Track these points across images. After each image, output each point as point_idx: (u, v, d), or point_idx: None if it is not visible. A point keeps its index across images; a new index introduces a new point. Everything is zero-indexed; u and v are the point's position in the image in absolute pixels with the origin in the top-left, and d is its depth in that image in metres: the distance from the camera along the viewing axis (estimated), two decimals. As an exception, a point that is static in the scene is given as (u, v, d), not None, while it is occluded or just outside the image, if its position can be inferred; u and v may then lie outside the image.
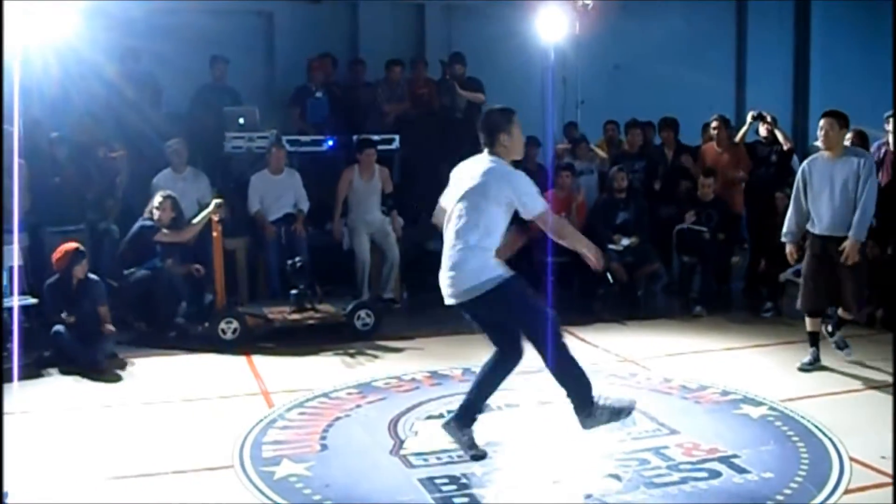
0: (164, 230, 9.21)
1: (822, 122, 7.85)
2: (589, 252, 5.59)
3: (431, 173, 11.97)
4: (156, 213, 9.21)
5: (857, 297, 7.82)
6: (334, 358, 8.40)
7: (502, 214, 5.59)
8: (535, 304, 5.67)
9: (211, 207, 9.04)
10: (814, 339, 8.01)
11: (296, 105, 11.53)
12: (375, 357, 8.42)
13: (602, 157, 12.08)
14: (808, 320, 8.02)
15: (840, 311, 8.11)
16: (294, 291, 9.23)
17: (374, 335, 9.12)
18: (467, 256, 5.65)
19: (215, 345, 8.62)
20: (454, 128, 11.94)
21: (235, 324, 8.78)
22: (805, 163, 8.07)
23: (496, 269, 5.57)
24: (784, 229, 8.06)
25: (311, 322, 9.11)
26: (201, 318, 9.17)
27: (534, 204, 5.46)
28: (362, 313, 9.21)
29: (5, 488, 4.66)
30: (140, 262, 9.10)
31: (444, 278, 5.78)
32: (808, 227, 7.86)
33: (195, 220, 9.28)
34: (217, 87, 11.49)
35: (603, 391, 5.74)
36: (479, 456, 5.63)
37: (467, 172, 5.74)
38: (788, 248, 8.13)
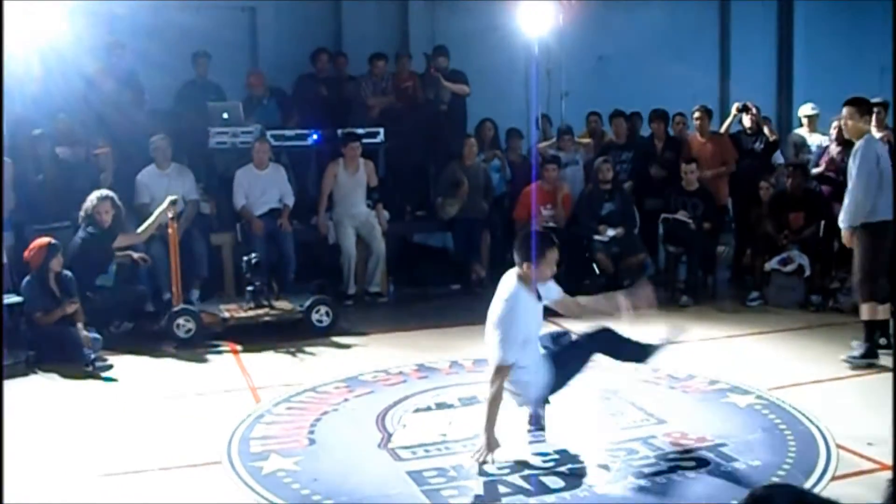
0: (121, 234, 9.06)
1: (844, 111, 7.76)
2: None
3: (416, 166, 12.03)
4: (100, 217, 8.86)
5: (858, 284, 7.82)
6: (321, 352, 8.38)
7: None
8: None
9: (165, 205, 8.98)
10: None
11: (248, 115, 11.40)
12: (362, 351, 8.41)
13: (587, 144, 12.07)
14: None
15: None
16: (250, 288, 9.09)
17: (358, 329, 9.13)
18: None
19: (171, 342, 8.54)
20: (439, 121, 11.95)
21: (190, 321, 8.67)
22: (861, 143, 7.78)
23: None
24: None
25: (266, 319, 8.98)
26: (158, 315, 9.12)
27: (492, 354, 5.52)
28: (319, 309, 9.05)
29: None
30: (96, 269, 8.99)
31: None
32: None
33: (150, 220, 9.17)
34: (200, 83, 11.43)
35: None
36: None
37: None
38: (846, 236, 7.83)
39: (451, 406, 6.67)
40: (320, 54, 11.86)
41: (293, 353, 8.33)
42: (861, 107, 7.72)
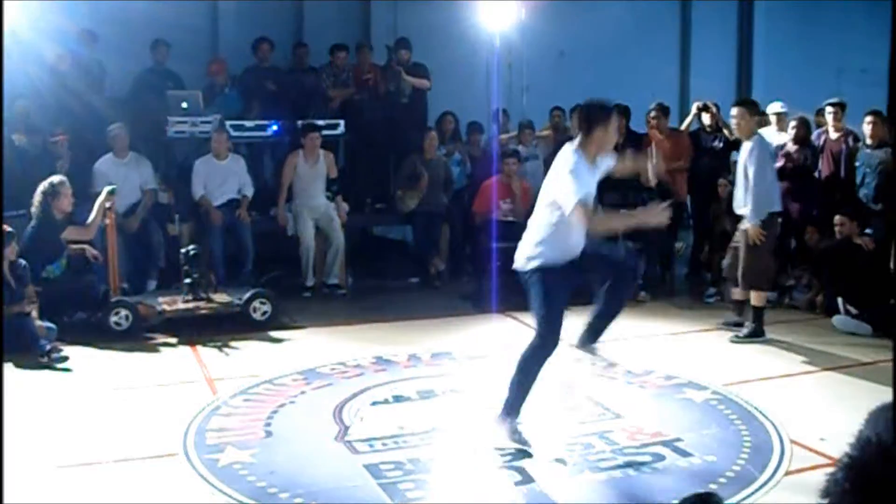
0: (71, 227, 8.92)
1: (734, 111, 8.48)
2: (639, 220, 6.34)
3: (377, 159, 12.00)
4: (58, 203, 8.73)
5: (748, 279, 8.32)
6: (277, 345, 8.35)
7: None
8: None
9: (103, 196, 8.87)
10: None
11: (209, 104, 11.34)
12: (319, 343, 8.37)
13: (546, 137, 12.09)
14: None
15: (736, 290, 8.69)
16: (188, 280, 8.97)
17: (318, 322, 9.10)
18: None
19: (106, 334, 8.38)
20: (399, 113, 11.92)
21: (127, 313, 8.53)
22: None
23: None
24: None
25: (204, 312, 8.88)
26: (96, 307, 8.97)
27: (567, 203, 5.54)
28: (258, 303, 8.93)
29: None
30: (48, 258, 8.84)
31: None
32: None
33: (93, 213, 9.01)
34: (159, 71, 11.34)
35: None
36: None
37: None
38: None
39: (408, 399, 6.66)
40: (261, 44, 11.78)
41: (249, 345, 8.28)
42: (751, 107, 8.46)
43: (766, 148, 8.45)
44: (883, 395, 1.05)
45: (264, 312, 8.93)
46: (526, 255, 5.76)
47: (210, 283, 9.29)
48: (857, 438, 0.97)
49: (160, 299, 9.03)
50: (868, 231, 9.32)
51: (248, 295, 8.96)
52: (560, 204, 5.58)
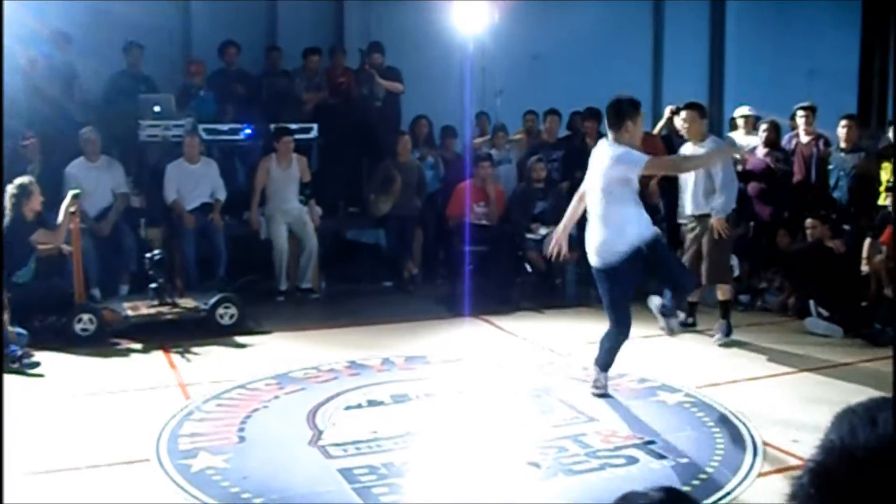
0: (41, 230, 8.79)
1: (683, 114, 8.70)
2: (721, 156, 7.16)
3: (350, 163, 11.98)
4: (29, 203, 8.57)
5: (713, 274, 8.45)
6: (250, 349, 8.32)
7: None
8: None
9: (68, 199, 8.79)
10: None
11: (182, 106, 11.31)
12: (292, 347, 8.35)
13: (519, 140, 12.12)
14: None
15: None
16: (153, 285, 8.90)
17: (291, 326, 9.07)
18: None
19: (71, 340, 8.28)
20: (373, 117, 11.92)
21: (91, 319, 8.45)
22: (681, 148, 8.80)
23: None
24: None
25: (169, 317, 8.81)
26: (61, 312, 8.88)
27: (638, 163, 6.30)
28: (224, 308, 8.87)
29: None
30: (18, 262, 8.75)
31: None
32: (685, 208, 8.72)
33: (59, 217, 8.88)
34: (132, 74, 11.27)
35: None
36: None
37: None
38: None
39: (382, 403, 6.65)
40: (228, 47, 11.75)
41: (221, 350, 8.25)
42: (701, 110, 8.64)
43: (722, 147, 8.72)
44: (855, 396, 1.06)
45: (231, 317, 8.86)
46: (608, 248, 6.45)
47: (176, 288, 9.24)
48: (821, 442, 0.98)
49: (125, 304, 8.95)
50: (846, 229, 9.41)
51: (214, 300, 8.90)
52: (627, 175, 6.31)
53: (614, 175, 6.31)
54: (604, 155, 6.42)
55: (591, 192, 6.57)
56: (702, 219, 8.45)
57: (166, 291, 8.97)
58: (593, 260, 6.56)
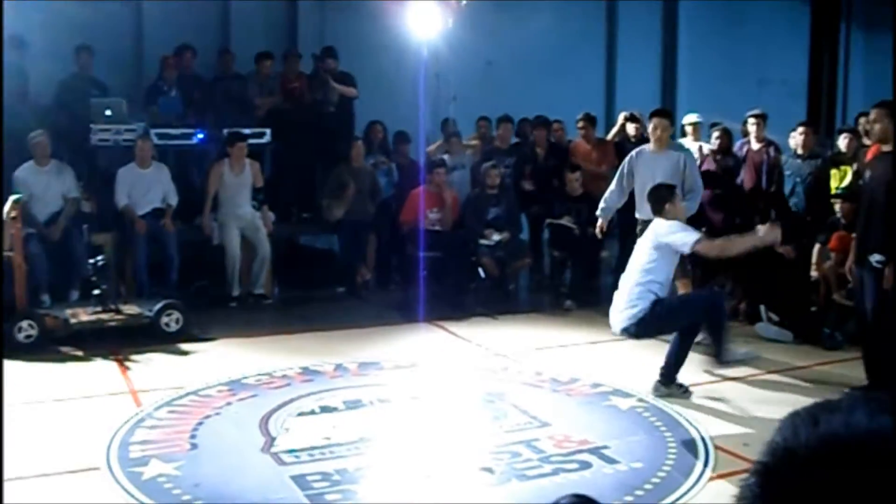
0: None
1: (655, 121, 8.75)
2: (763, 241, 7.00)
3: (303, 168, 11.94)
4: None
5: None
6: (202, 356, 8.25)
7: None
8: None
9: (8, 205, 8.67)
10: None
11: (149, 103, 11.24)
12: (245, 353, 8.30)
13: (474, 146, 12.15)
14: None
15: None
16: (96, 291, 8.77)
17: (244, 332, 9.01)
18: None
19: (12, 348, 8.01)
20: (326, 122, 11.89)
21: (32, 325, 8.29)
22: (633, 153, 8.91)
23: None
24: (602, 205, 8.98)
25: (112, 324, 8.67)
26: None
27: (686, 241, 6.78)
28: (169, 314, 8.76)
29: None
30: None
31: None
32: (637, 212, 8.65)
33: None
34: (83, 78, 11.16)
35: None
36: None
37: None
38: (601, 223, 9.08)
39: (335, 409, 6.62)
40: (184, 52, 11.70)
41: (172, 357, 8.18)
42: (671, 117, 9.00)
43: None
44: (805, 399, 1.08)
45: (176, 322, 8.77)
46: (622, 316, 6.99)
47: (120, 295, 9.13)
48: (768, 444, 0.99)
49: (68, 311, 8.80)
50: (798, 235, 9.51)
51: (158, 306, 8.77)
52: (679, 248, 6.94)
53: (663, 243, 6.80)
54: (659, 227, 6.92)
55: (634, 258, 7.03)
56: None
57: (109, 298, 8.84)
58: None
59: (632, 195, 8.75)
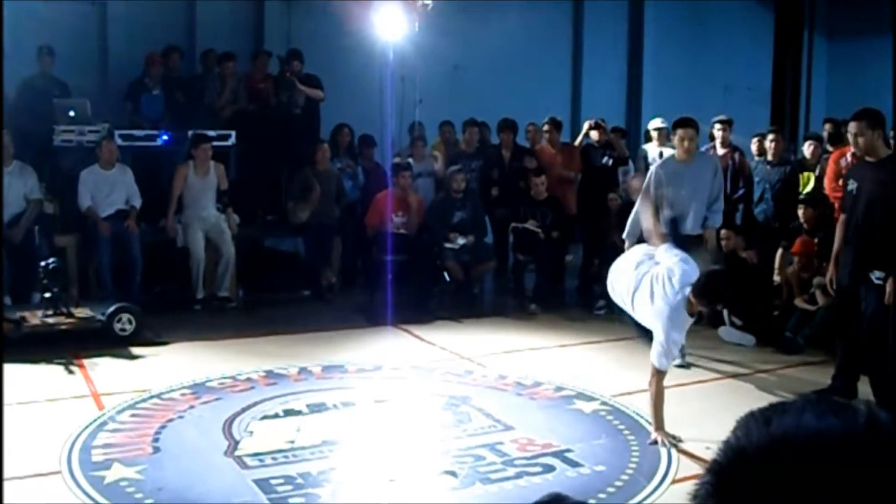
0: None
1: (681, 132, 8.27)
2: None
3: (268, 171, 11.91)
4: None
5: None
6: (166, 358, 8.21)
7: None
8: None
9: None
10: None
11: (130, 100, 11.23)
12: (209, 356, 8.26)
13: (437, 156, 12.16)
14: None
15: None
16: (46, 294, 8.67)
17: (207, 335, 8.97)
18: None
19: None
20: (292, 125, 11.85)
21: None
22: (658, 165, 8.59)
23: None
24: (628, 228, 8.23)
25: (64, 327, 8.58)
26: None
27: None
28: (122, 318, 8.67)
29: None
30: None
31: None
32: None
33: None
34: (45, 78, 11.08)
35: None
36: None
37: None
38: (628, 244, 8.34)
39: (299, 413, 6.60)
40: (171, 53, 11.64)
41: (134, 359, 8.13)
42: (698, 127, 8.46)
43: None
44: (766, 402, 1.09)
45: (130, 325, 8.68)
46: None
47: (72, 298, 9.04)
48: (723, 444, 1.02)
49: (18, 314, 8.67)
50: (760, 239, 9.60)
51: (110, 310, 8.69)
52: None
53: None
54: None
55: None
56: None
57: (61, 300, 8.73)
58: None
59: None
